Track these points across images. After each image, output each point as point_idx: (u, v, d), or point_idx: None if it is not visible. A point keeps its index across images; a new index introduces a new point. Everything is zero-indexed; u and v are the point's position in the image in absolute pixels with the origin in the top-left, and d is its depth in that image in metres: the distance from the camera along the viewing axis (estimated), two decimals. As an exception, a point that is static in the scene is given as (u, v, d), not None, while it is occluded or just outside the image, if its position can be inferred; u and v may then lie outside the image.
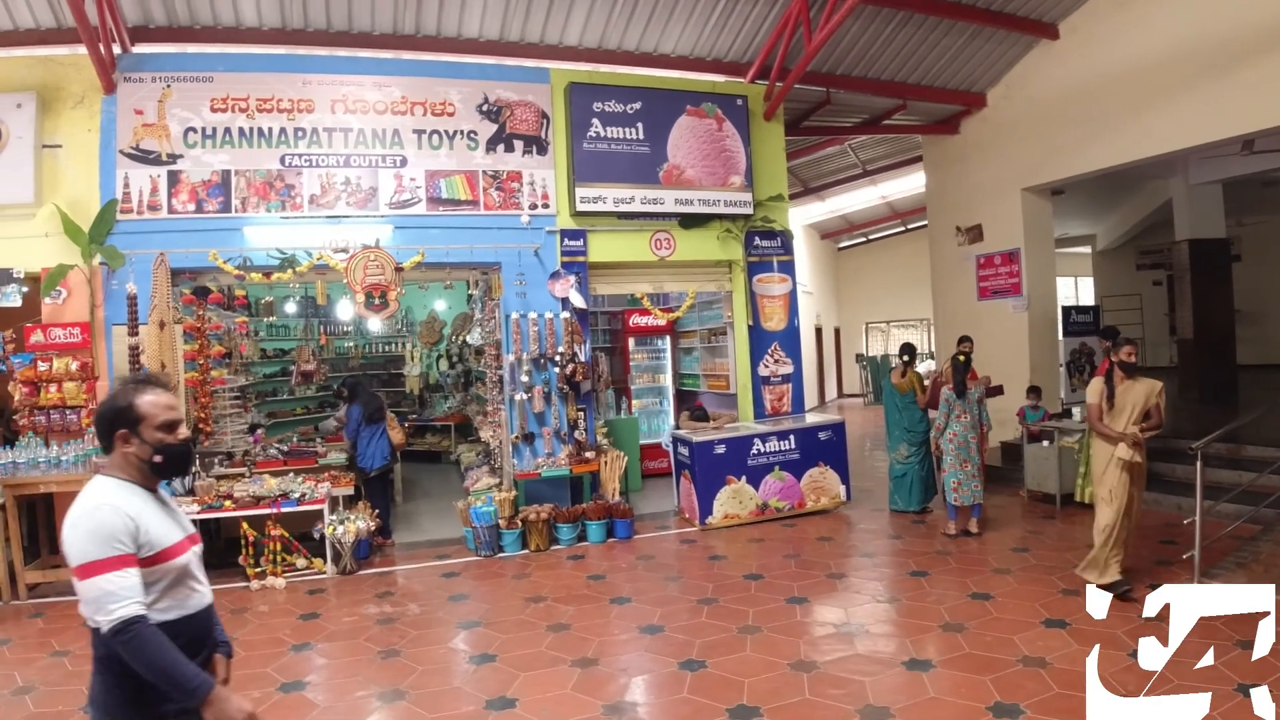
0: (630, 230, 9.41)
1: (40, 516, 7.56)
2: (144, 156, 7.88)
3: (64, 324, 7.55)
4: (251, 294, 11.60)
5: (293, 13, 8.02)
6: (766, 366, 10.05)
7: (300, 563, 7.53)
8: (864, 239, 23.74)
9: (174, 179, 7.95)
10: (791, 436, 9.08)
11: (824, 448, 9.22)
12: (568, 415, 8.97)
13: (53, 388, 7.46)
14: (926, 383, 8.97)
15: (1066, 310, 11.37)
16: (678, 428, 9.65)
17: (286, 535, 7.45)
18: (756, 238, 9.94)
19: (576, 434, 8.93)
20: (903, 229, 22.18)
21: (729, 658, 5.21)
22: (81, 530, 2.26)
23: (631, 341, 12.34)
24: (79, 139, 7.82)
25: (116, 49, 7.75)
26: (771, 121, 10.10)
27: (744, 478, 8.83)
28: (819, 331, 21.42)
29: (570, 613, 6.22)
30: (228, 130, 8.06)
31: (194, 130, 7.99)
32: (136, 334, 7.45)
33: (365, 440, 8.57)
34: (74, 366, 7.48)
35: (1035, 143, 10.62)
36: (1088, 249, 19.47)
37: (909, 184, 16.85)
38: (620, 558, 7.81)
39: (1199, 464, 6.18)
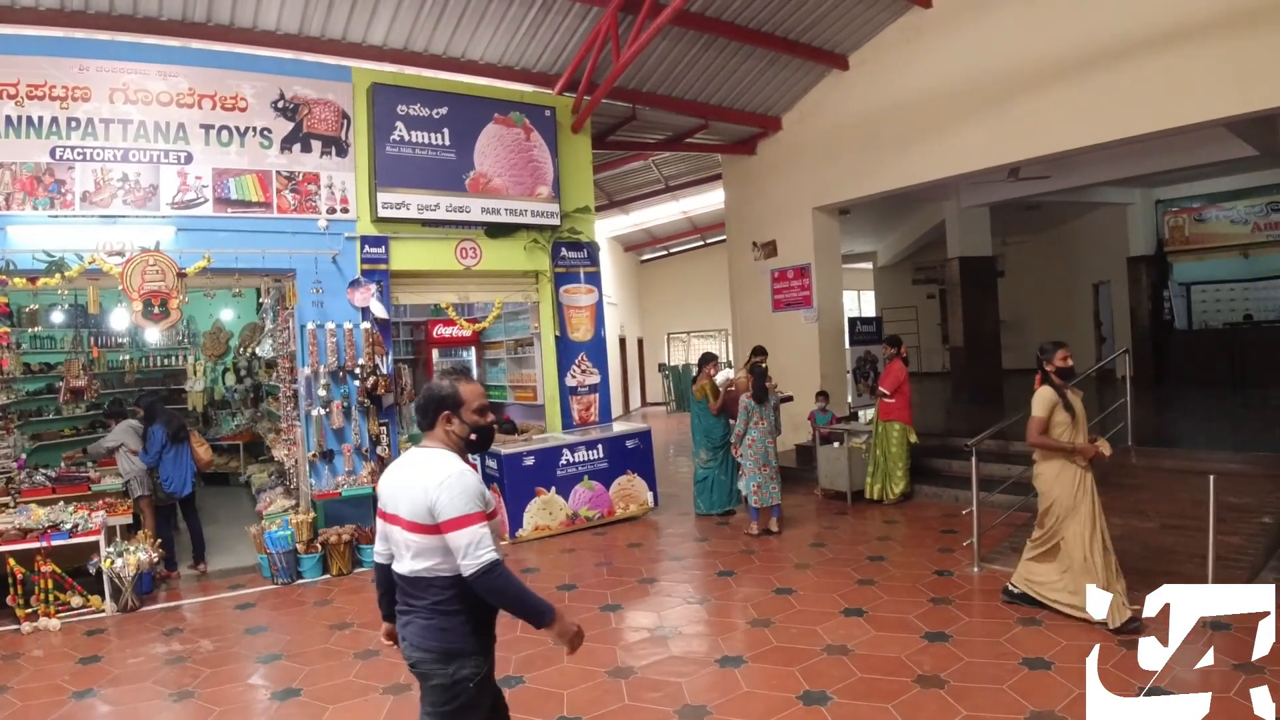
0: (435, 238, 9.17)
1: None
2: (-103, 146, 6.85)
3: None
4: (14, 301, 10.34)
5: (73, -8, 7.23)
6: (574, 377, 10.07)
7: (76, 601, 6.74)
8: (665, 252, 24.36)
9: (-71, 171, 6.96)
10: (600, 446, 9.16)
11: (631, 456, 9.36)
12: (369, 430, 8.59)
13: None
14: (721, 390, 9.28)
15: (852, 321, 12.12)
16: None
17: (59, 571, 6.66)
18: (563, 249, 9.96)
19: (379, 450, 8.58)
20: (702, 243, 22.95)
21: (546, 670, 5.16)
22: (457, 490, 2.75)
23: (435, 353, 12.07)
24: None
25: None
26: (579, 134, 10.17)
27: (553, 488, 8.81)
28: (623, 342, 21.76)
29: (379, 638, 5.94)
30: (-8, 118, 7.16)
31: (-46, 118, 7.03)
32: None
33: (170, 463, 7.87)
34: None
35: (825, 165, 11.28)
36: (869, 265, 20.96)
37: (709, 200, 17.47)
38: (429, 575, 7.55)
39: (974, 459, 6.77)
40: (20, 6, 7.18)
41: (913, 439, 9.24)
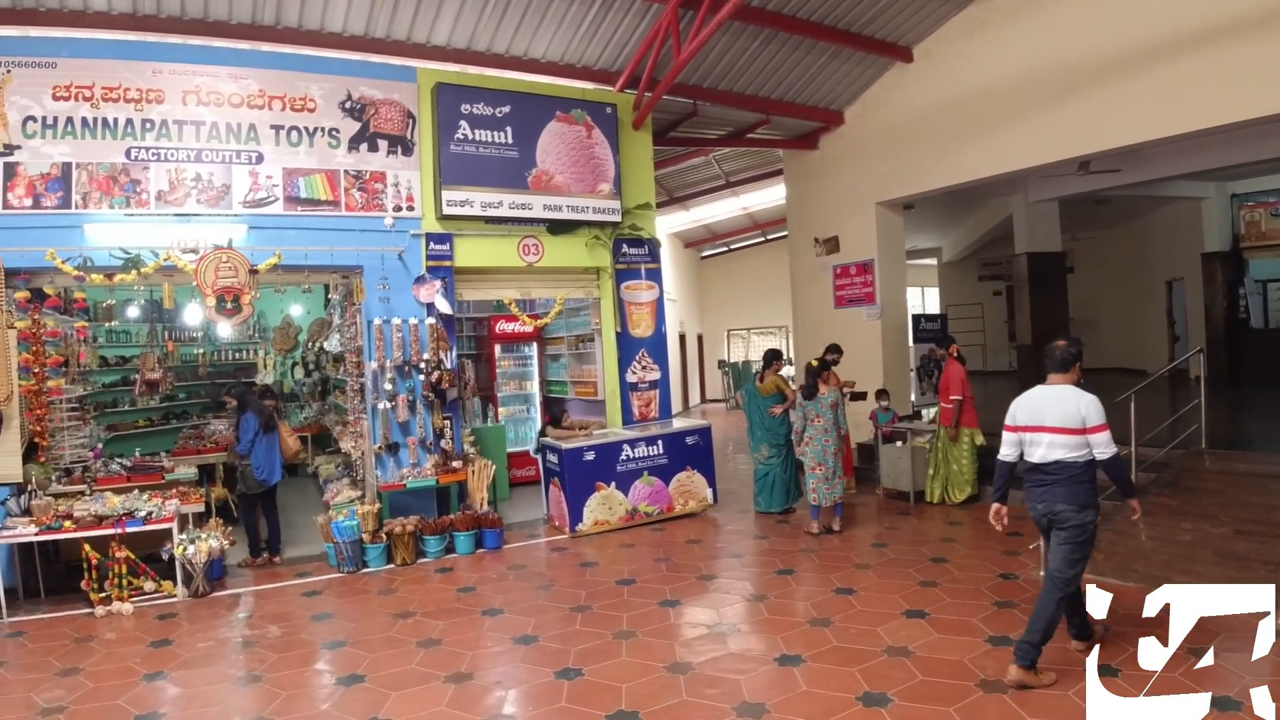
0: (498, 235, 9.28)
1: None
2: (-22, 147, 7.18)
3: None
4: (91, 297, 10.82)
5: (144, -3, 7.50)
6: (634, 373, 10.11)
7: (148, 586, 6.99)
8: (725, 248, 24.28)
9: (10, 171, 7.27)
10: (660, 442, 9.18)
11: (691, 452, 9.36)
12: (433, 424, 8.76)
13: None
14: (794, 386, 9.23)
15: (916, 318, 11.94)
16: (543, 435, 9.58)
17: (132, 557, 6.90)
18: (624, 245, 10.00)
19: (443, 443, 8.73)
20: (762, 239, 22.82)
21: (605, 664, 5.20)
22: (1097, 409, 4.52)
23: (498, 348, 12.20)
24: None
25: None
26: (640, 131, 10.20)
27: (613, 484, 8.85)
28: (682, 338, 21.76)
29: (441, 627, 6.06)
30: (70, 120, 7.45)
31: (34, 119, 7.33)
32: (-35, 340, 6.77)
33: (262, 452, 8.11)
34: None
35: (889, 159, 11.12)
36: (934, 261, 20.60)
37: (769, 196, 17.35)
38: (490, 568, 7.68)
39: (1041, 461, 6.59)
40: (93, 11, 7.47)
41: (979, 441, 9.05)
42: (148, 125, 7.72)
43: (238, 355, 13.76)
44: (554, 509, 9.07)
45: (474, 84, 9.05)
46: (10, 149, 7.30)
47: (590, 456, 8.75)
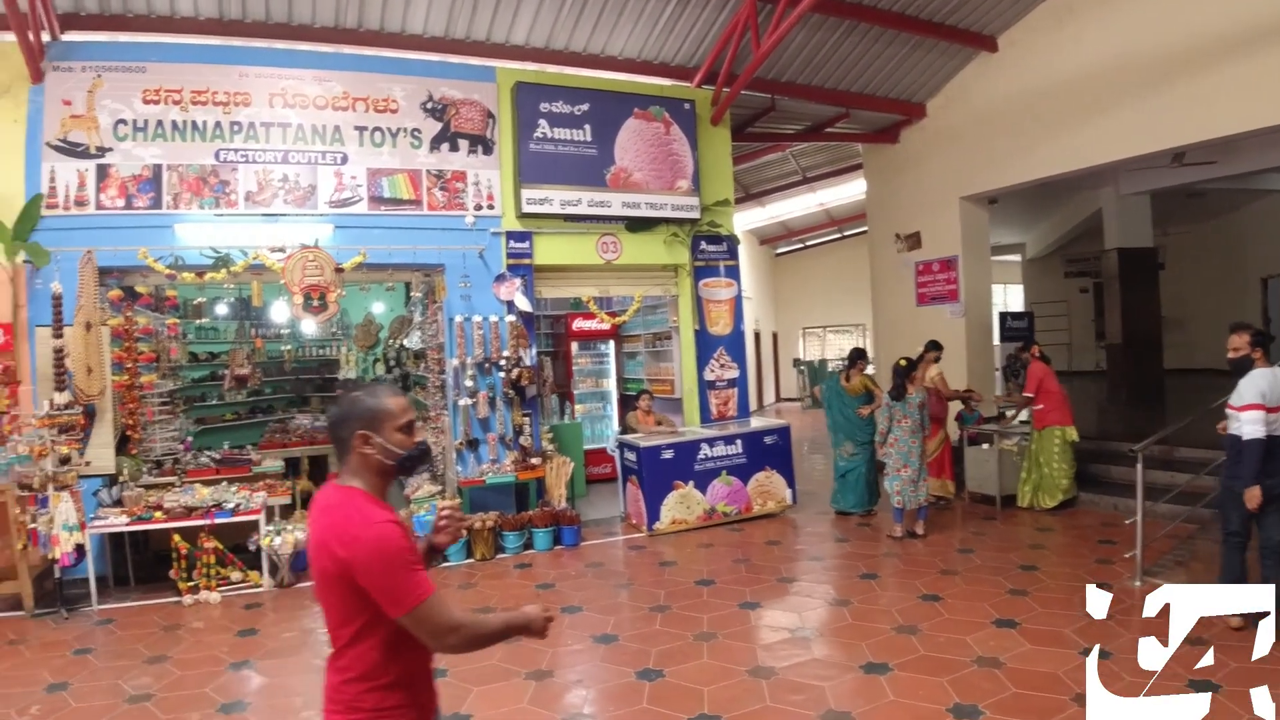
0: (576, 233, 9.31)
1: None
2: (72, 149, 7.47)
3: (-15, 325, 7.08)
4: (181, 295, 11.18)
5: (230, 3, 7.69)
6: (712, 371, 10.04)
7: (235, 576, 7.18)
8: (801, 245, 23.98)
9: (103, 173, 7.56)
10: (738, 441, 9.08)
11: (770, 451, 9.24)
12: (513, 420, 8.82)
13: (-29, 392, 7.00)
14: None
15: (1002, 316, 11.58)
16: (622, 433, 9.56)
17: (220, 547, 7.11)
18: (703, 242, 9.93)
19: (522, 439, 8.79)
20: (839, 235, 22.47)
21: (686, 666, 5.15)
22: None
23: (575, 345, 12.24)
24: (4, 130, 7.38)
25: (45, 36, 7.32)
26: (718, 126, 10.12)
27: (691, 483, 8.79)
28: (757, 336, 21.56)
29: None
30: (160, 123, 7.71)
31: (124, 122, 7.62)
32: (61, 336, 7.04)
33: None
34: (-6, 370, 7.03)
35: (973, 153, 10.79)
36: (1017, 257, 20.00)
37: (847, 191, 17.08)
38: (569, 565, 7.69)
39: (1139, 466, 6.33)
40: (181, 17, 7.70)
41: (1072, 437, 8.71)
42: (236, 127, 7.95)
43: (321, 351, 14.10)
44: (631, 507, 9.05)
45: (553, 82, 9.08)
46: (103, 151, 7.58)
47: (668, 455, 8.70)
